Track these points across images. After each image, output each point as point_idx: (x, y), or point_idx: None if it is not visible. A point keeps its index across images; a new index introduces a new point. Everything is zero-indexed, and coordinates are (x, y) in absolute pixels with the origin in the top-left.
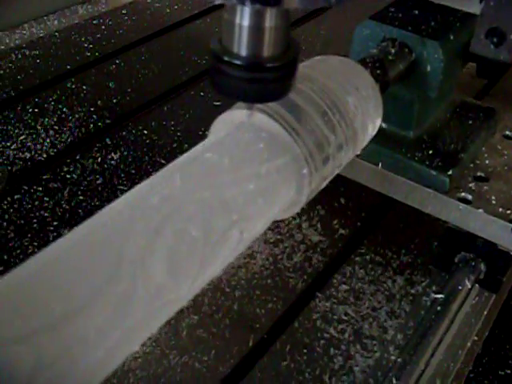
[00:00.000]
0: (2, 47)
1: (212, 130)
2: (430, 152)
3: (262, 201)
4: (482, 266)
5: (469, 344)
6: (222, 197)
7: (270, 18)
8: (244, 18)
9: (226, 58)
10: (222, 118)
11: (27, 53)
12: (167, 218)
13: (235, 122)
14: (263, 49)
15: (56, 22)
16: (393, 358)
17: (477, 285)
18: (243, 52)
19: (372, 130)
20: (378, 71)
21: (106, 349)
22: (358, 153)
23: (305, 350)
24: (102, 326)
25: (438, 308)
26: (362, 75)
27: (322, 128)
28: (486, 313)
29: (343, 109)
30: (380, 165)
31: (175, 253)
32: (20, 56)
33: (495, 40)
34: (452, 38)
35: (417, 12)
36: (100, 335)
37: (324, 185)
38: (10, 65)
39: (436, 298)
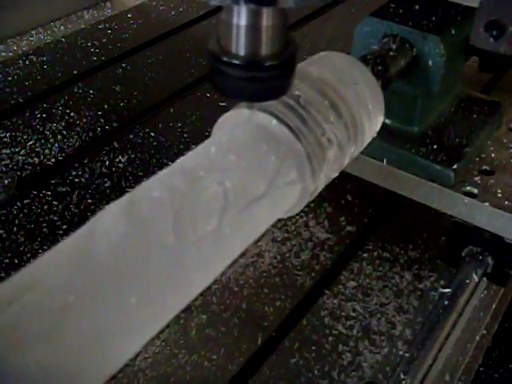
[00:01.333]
0: (10, 54)
1: (214, 130)
2: (435, 147)
3: (266, 200)
4: (490, 260)
5: (478, 338)
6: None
7: (266, 17)
8: (241, 17)
9: (224, 58)
10: (223, 119)
11: (34, 59)
12: None
13: (237, 122)
14: (261, 48)
15: (62, 28)
16: (401, 353)
17: (485, 278)
18: (241, 51)
19: (375, 127)
20: (380, 67)
21: None
22: (361, 150)
23: (313, 347)
24: None
25: (446, 302)
26: (361, 71)
27: (324, 125)
28: (494, 306)
29: (344, 106)
30: (385, 161)
31: None
32: (27, 62)
33: (494, 33)
34: (453, 32)
35: (417, 7)
36: None
37: (327, 182)
38: (18, 71)
39: (443, 293)
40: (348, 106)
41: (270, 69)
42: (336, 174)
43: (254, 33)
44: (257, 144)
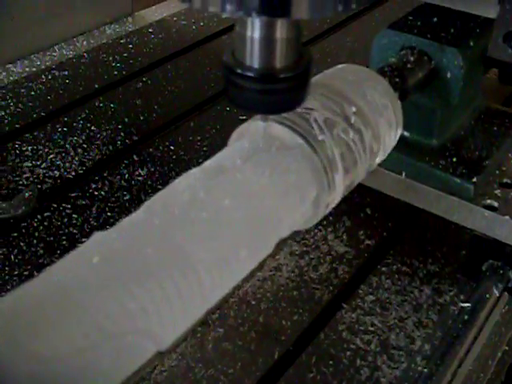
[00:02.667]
0: (34, 69)
1: (230, 142)
2: (454, 160)
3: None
4: (511, 274)
5: (499, 354)
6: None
7: (280, 29)
8: (254, 30)
9: (238, 71)
10: (239, 131)
11: (57, 74)
12: None
13: (252, 134)
14: (275, 60)
15: (85, 43)
16: (420, 368)
17: (506, 293)
18: (255, 64)
19: (393, 139)
20: (397, 79)
21: None
22: (379, 162)
23: (331, 362)
24: None
25: (466, 317)
26: (379, 83)
27: (340, 137)
28: None
29: (360, 117)
30: (404, 174)
31: None
32: (50, 77)
33: None
34: (472, 44)
35: (435, 19)
36: None
37: (343, 195)
38: (41, 86)
39: (463, 307)
40: (364, 118)
41: (285, 81)
42: (353, 187)
43: (268, 45)
44: (271, 156)
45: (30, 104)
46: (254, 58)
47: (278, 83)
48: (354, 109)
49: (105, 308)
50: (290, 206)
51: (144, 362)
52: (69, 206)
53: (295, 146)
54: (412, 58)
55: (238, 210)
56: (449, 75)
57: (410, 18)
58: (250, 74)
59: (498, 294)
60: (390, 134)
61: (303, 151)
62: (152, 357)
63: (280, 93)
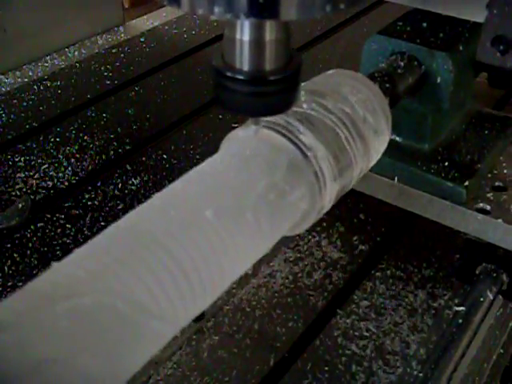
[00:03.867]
0: (26, 80)
1: (221, 146)
2: (446, 164)
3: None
4: (505, 277)
5: (494, 357)
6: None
7: (269, 31)
8: (243, 32)
9: (228, 74)
10: (230, 136)
11: (49, 84)
12: None
13: (243, 139)
14: (265, 62)
15: (77, 53)
16: (415, 373)
17: (500, 296)
18: (245, 66)
19: (382, 143)
20: (387, 85)
21: None
22: (370, 167)
23: (326, 368)
24: None
25: (460, 321)
26: (369, 88)
27: (330, 141)
28: (511, 324)
29: (351, 121)
30: (396, 179)
31: None
32: (42, 87)
33: (501, 48)
34: (461, 48)
35: (425, 25)
36: None
37: (336, 199)
38: (33, 96)
39: (457, 311)
40: (354, 122)
41: (274, 83)
42: (345, 192)
43: (257, 47)
44: (261, 161)
45: (23, 115)
46: (243, 61)
47: (268, 85)
48: (343, 113)
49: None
50: (281, 212)
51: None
52: (62, 216)
53: (285, 151)
54: (402, 63)
55: None
56: (439, 80)
57: (400, 23)
58: (239, 76)
59: (492, 298)
60: (379, 138)
61: (293, 155)
62: (147, 366)
63: (270, 95)
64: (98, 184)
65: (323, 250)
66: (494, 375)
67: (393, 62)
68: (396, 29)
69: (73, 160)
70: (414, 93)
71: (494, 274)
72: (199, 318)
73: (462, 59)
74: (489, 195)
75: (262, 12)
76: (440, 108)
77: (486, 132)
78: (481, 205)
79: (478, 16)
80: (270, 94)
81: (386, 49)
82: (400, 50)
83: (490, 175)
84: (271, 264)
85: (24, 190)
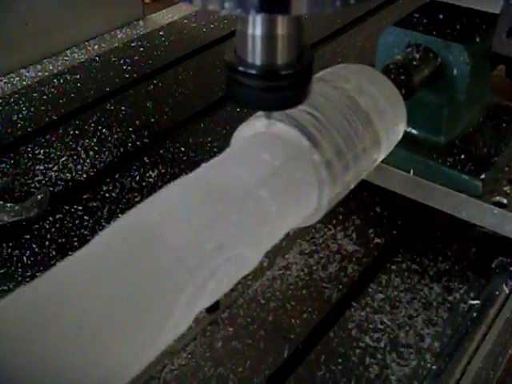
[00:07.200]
0: (46, 74)
1: (233, 139)
2: (462, 157)
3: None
4: None
5: (510, 351)
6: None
7: (280, 26)
8: (255, 27)
9: (241, 68)
10: (241, 128)
11: (69, 77)
12: None
13: (255, 132)
14: (277, 57)
15: (96, 47)
16: (429, 366)
17: None
18: (257, 61)
19: (396, 135)
20: (402, 77)
21: None
22: (382, 158)
23: (340, 360)
24: None
25: (475, 314)
26: (381, 81)
27: (342, 134)
28: None
29: (363, 114)
30: (412, 172)
31: None
32: (62, 81)
33: None
34: (478, 40)
35: (441, 16)
36: None
37: (346, 192)
38: (53, 90)
39: (472, 305)
40: (366, 114)
41: (286, 78)
42: (355, 183)
43: (269, 42)
44: (273, 154)
45: (43, 108)
46: (255, 56)
47: (280, 80)
48: (354, 106)
49: None
50: (292, 202)
51: None
52: (80, 208)
53: (297, 143)
54: (418, 56)
55: None
56: (455, 72)
57: (416, 15)
58: (251, 71)
59: (507, 291)
60: (393, 128)
61: (304, 147)
62: (161, 355)
63: (282, 89)
64: (116, 176)
65: (339, 243)
66: (509, 370)
67: (409, 54)
68: (412, 21)
69: (91, 152)
70: (430, 85)
71: (510, 268)
72: (214, 309)
73: (478, 51)
74: (505, 188)
75: (272, 7)
76: (456, 100)
77: (504, 125)
78: (497, 198)
79: (494, 7)
80: (283, 88)
81: (401, 41)
82: (416, 41)
83: (506, 168)
84: (286, 256)
85: (43, 181)
